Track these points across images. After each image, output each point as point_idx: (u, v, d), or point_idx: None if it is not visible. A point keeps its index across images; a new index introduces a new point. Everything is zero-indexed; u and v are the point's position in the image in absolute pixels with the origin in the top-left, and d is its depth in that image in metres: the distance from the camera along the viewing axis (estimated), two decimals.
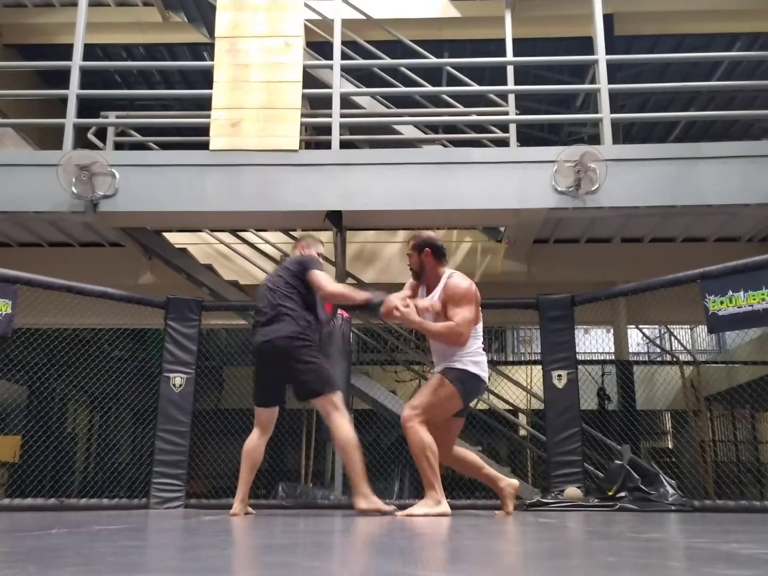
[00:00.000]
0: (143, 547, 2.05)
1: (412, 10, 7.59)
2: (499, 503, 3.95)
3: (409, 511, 3.60)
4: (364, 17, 6.95)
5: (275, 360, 3.79)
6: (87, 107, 6.25)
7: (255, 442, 3.93)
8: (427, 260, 3.80)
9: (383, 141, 6.41)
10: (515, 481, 3.88)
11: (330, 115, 5.70)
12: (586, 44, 6.27)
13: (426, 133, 6.89)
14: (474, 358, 3.69)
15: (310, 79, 6.10)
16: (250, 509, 4.04)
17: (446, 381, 3.63)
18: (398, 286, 3.96)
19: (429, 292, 3.82)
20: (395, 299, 3.69)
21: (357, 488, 3.72)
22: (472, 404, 4.06)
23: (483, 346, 3.80)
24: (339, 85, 5.80)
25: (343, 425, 3.75)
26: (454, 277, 3.75)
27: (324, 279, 3.88)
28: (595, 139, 6.25)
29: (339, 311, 5.01)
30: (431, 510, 3.53)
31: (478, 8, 7.53)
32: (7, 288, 4.74)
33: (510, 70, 6.22)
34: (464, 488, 6.92)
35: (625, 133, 8.70)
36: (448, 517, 3.51)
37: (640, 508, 4.53)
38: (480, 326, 3.80)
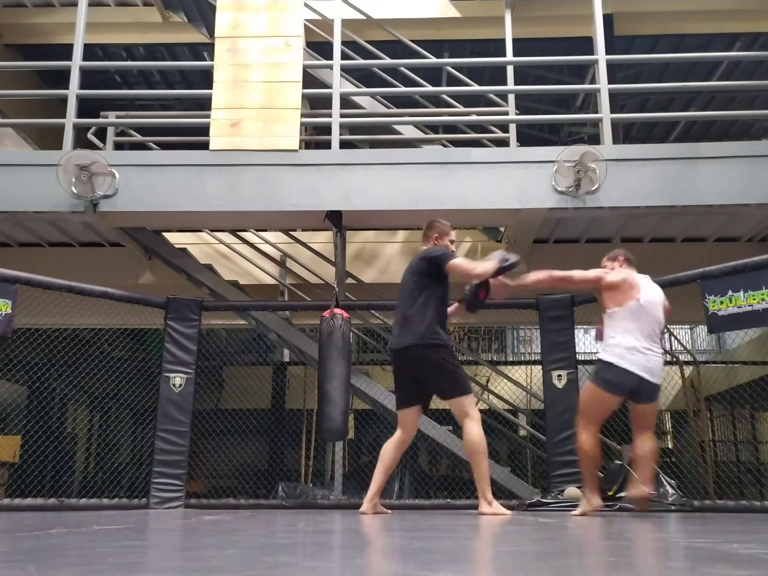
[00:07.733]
0: (143, 547, 2.05)
1: (412, 10, 7.59)
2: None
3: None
4: (364, 17, 6.95)
5: None
6: (87, 107, 6.24)
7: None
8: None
9: (383, 141, 6.41)
10: None
11: (330, 115, 5.70)
12: (586, 44, 6.27)
13: (426, 133, 6.88)
14: (616, 350, 3.85)
15: (310, 79, 6.09)
16: None
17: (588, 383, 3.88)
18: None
19: None
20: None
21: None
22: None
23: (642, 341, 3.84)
24: (339, 85, 5.80)
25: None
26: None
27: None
28: (595, 139, 6.25)
29: (339, 311, 5.00)
30: None
31: (478, 8, 7.52)
32: (7, 288, 4.74)
33: (510, 70, 6.21)
34: (464, 488, 6.90)
35: (625, 133, 8.69)
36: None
37: None
38: (627, 308, 3.90)
